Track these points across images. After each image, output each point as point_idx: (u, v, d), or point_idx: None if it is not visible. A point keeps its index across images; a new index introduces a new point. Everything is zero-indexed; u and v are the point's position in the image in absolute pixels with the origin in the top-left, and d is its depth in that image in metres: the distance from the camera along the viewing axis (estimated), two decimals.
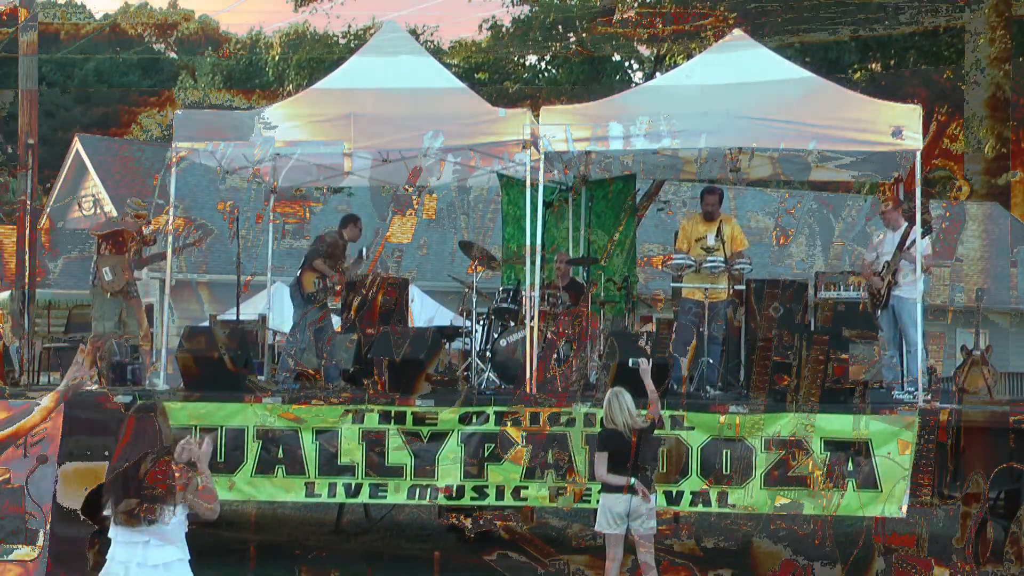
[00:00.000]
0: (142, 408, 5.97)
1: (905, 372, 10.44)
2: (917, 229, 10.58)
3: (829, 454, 9.17)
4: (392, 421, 9.53)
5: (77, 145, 28.66)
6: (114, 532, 5.79)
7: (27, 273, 14.05)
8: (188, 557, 5.85)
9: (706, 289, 10.86)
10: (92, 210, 26.41)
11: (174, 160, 10.65)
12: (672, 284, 11.03)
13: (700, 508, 9.51)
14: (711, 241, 10.98)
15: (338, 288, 11.78)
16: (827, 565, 11.55)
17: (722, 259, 10.78)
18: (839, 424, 9.24)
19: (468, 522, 11.78)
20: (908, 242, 10.49)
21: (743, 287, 11.37)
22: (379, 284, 13.05)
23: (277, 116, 10.83)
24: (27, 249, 14.37)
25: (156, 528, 5.69)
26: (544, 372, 10.64)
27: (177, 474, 5.73)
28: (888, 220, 10.75)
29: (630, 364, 8.89)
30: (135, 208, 10.95)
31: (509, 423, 9.43)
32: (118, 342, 11.86)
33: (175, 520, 5.73)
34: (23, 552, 9.37)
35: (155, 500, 5.67)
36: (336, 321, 12.68)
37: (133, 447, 5.75)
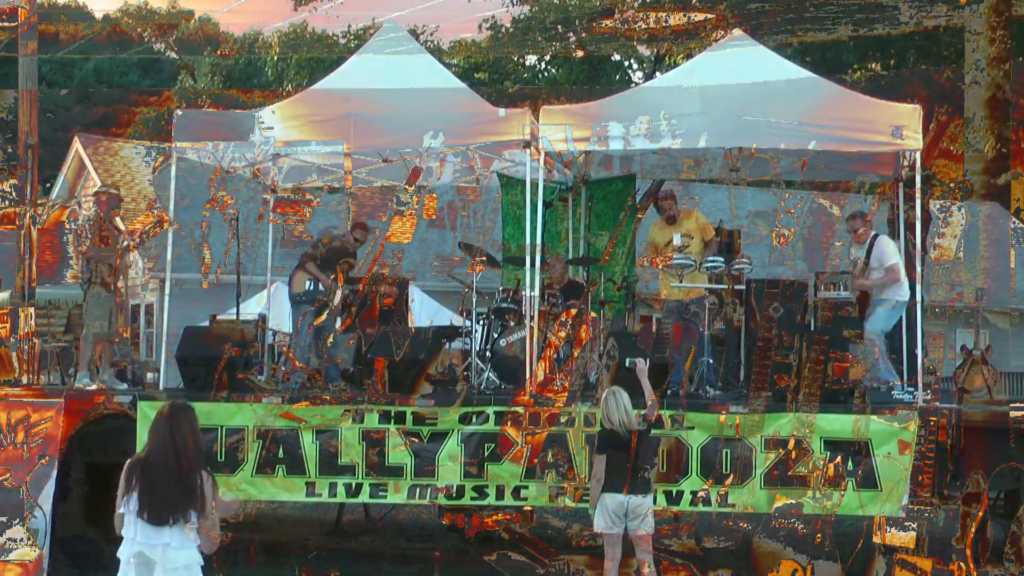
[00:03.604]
0: (176, 407, 5.94)
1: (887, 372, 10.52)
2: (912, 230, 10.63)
3: (829, 454, 9.18)
4: (392, 421, 9.53)
5: (77, 145, 28.63)
6: (132, 531, 5.74)
7: (27, 273, 14.05)
8: (203, 563, 5.84)
9: (706, 290, 10.86)
10: (92, 210, 26.37)
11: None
12: (673, 285, 11.01)
13: (700, 508, 9.52)
14: (677, 241, 11.05)
15: (327, 296, 11.66)
16: (827, 565, 11.57)
17: (722, 260, 10.79)
18: (839, 424, 9.24)
19: (468, 522, 11.81)
20: (871, 260, 10.68)
21: (743, 287, 11.37)
22: (379, 284, 13.07)
23: (277, 116, 10.84)
24: (27, 249, 14.36)
25: (179, 529, 5.68)
26: (544, 372, 10.65)
27: (204, 479, 5.73)
28: (858, 238, 10.93)
29: (626, 364, 8.91)
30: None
31: (509, 423, 9.43)
32: (118, 344, 11.88)
33: (195, 526, 5.72)
34: (23, 552, 9.37)
35: (186, 499, 5.67)
36: (336, 321, 12.67)
37: (163, 445, 5.73)
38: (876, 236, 10.95)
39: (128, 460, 5.86)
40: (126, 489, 5.74)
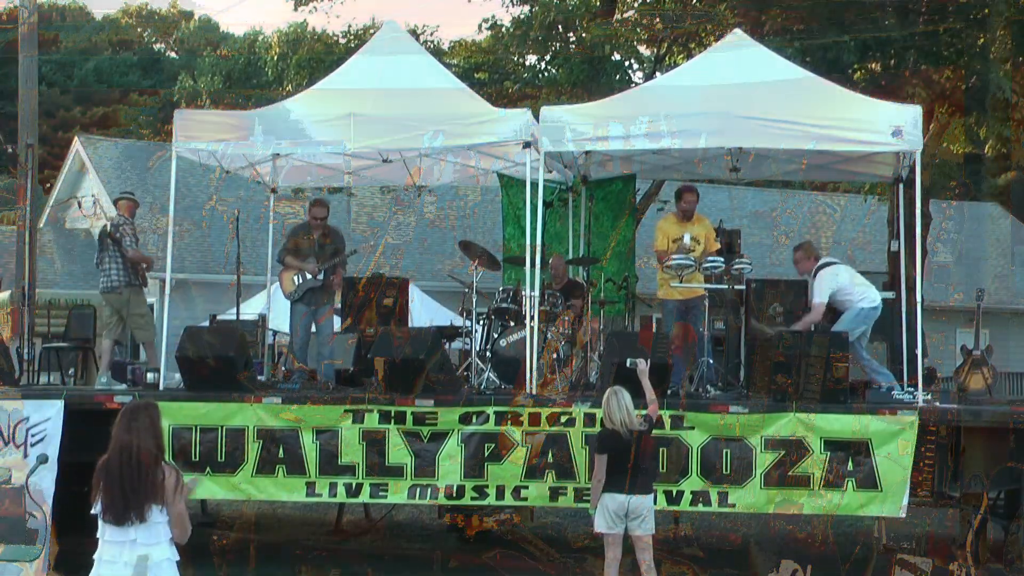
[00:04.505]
0: (137, 406, 5.95)
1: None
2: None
3: (829, 454, 9.17)
4: (392, 421, 9.54)
5: (77, 145, 28.63)
6: (101, 531, 5.79)
7: (27, 273, 14.04)
8: (176, 558, 5.85)
9: (707, 290, 10.87)
10: (92, 210, 26.40)
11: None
12: (673, 284, 11.01)
13: (700, 508, 9.52)
14: (687, 241, 11.02)
15: (320, 278, 11.64)
16: (827, 565, 11.56)
17: (722, 260, 10.79)
18: (839, 424, 9.24)
19: (469, 522, 11.82)
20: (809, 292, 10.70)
21: (743, 287, 11.38)
22: (379, 284, 13.08)
23: (277, 115, 10.84)
24: (27, 249, 14.36)
25: (143, 527, 5.69)
26: (544, 372, 10.65)
27: (167, 474, 5.74)
28: (801, 270, 10.91)
29: (627, 364, 8.90)
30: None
31: (509, 423, 9.44)
32: (119, 345, 11.90)
33: (161, 520, 5.73)
34: (23, 552, 9.37)
35: (145, 497, 5.68)
36: (336, 321, 12.68)
37: (125, 443, 5.74)
38: (819, 269, 10.88)
39: (98, 462, 5.87)
40: (94, 491, 5.76)
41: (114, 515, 5.69)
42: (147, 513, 5.68)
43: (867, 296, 10.67)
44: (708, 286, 10.88)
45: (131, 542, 5.71)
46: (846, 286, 10.68)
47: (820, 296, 10.66)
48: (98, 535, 5.81)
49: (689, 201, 11.48)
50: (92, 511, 5.78)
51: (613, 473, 8.21)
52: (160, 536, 5.75)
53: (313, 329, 11.79)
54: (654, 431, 8.60)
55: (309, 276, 11.51)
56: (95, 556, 5.81)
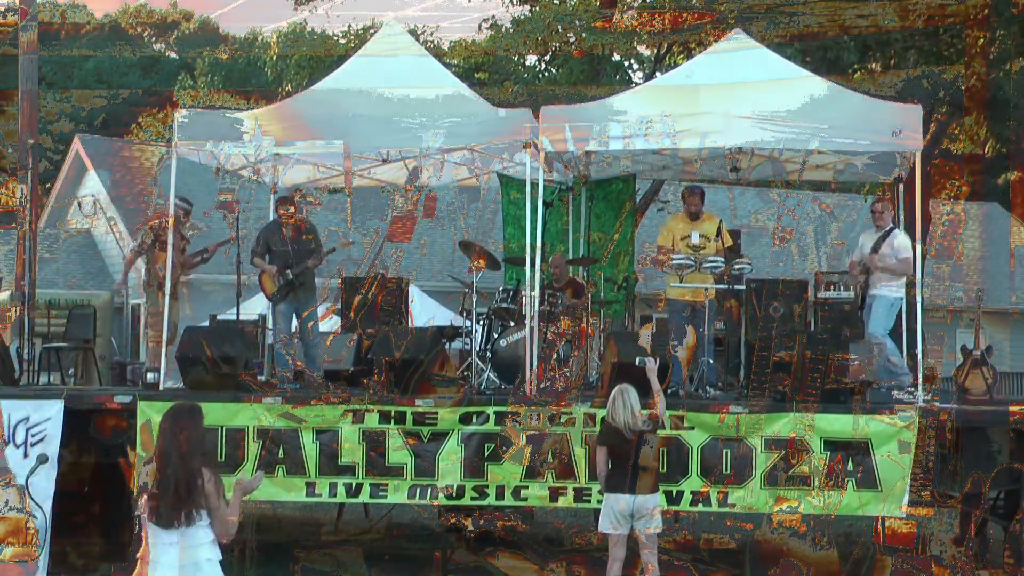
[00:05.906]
0: (181, 408, 5.98)
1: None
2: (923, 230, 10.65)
3: (829, 454, 9.18)
4: (392, 421, 9.54)
5: (77, 145, 28.61)
6: (148, 533, 5.82)
7: (27, 273, 14.03)
8: (220, 558, 5.90)
9: (706, 289, 10.86)
10: (92, 210, 26.39)
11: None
12: (672, 285, 11.01)
13: (700, 508, 9.52)
14: (695, 240, 11.03)
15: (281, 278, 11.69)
16: (827, 565, 11.55)
17: (722, 260, 10.78)
18: (839, 424, 9.24)
19: (468, 522, 11.81)
20: (883, 245, 10.79)
21: (743, 287, 11.38)
22: (379, 284, 13.06)
23: (277, 116, 10.84)
24: (27, 249, 14.35)
25: (189, 530, 5.73)
26: (544, 372, 10.65)
27: (206, 478, 5.78)
28: (879, 221, 11.01)
29: (636, 363, 8.89)
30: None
31: (509, 423, 9.44)
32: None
33: (205, 523, 5.77)
34: (23, 552, 9.37)
35: (190, 500, 5.71)
36: (336, 321, 12.68)
37: (171, 446, 5.77)
38: (893, 228, 11.06)
39: (143, 462, 5.93)
40: (139, 491, 5.82)
41: (162, 517, 5.72)
42: (194, 516, 5.72)
43: (899, 286, 10.87)
44: (715, 286, 10.87)
45: (176, 544, 5.75)
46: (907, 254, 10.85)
47: (908, 252, 10.82)
48: (143, 535, 5.84)
49: (692, 204, 11.51)
50: (136, 513, 5.84)
51: (616, 474, 8.21)
52: (205, 538, 5.80)
53: (295, 328, 11.81)
54: (657, 431, 8.60)
55: (290, 276, 11.57)
56: (150, 559, 5.84)
